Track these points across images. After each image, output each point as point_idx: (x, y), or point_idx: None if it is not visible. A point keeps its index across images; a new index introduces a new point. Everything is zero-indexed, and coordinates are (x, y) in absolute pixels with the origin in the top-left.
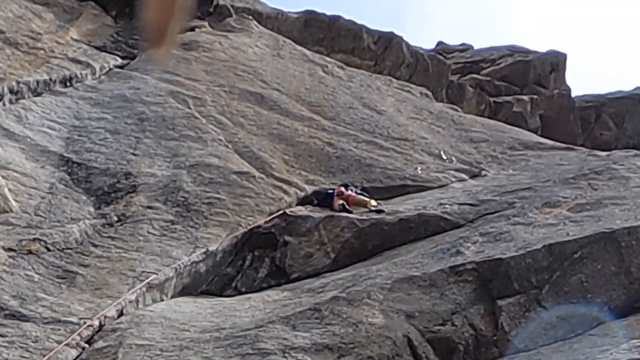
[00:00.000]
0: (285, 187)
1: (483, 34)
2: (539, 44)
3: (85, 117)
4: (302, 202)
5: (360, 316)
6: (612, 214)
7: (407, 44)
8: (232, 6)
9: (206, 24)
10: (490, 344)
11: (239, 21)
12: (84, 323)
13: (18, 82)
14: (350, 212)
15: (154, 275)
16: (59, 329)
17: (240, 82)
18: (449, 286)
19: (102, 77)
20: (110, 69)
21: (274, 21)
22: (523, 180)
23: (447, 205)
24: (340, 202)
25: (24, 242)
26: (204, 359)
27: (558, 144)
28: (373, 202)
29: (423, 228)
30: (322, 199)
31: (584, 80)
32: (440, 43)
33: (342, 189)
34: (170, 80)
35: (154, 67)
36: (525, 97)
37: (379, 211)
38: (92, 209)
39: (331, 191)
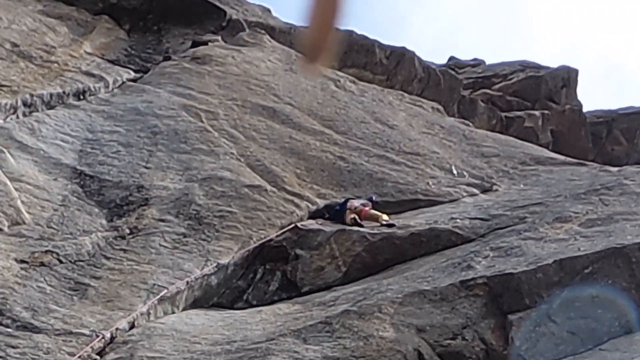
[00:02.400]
0: (296, 200)
1: (494, 49)
2: (552, 60)
3: (98, 130)
4: (313, 215)
5: (371, 330)
6: (623, 230)
7: (419, 58)
8: (245, 20)
9: (219, 38)
10: (500, 359)
11: (252, 35)
12: (96, 335)
13: (32, 95)
14: (362, 226)
15: (166, 290)
16: (70, 341)
17: (253, 96)
18: (459, 300)
19: (115, 90)
20: (123, 83)
21: (287, 36)
22: (534, 195)
23: (458, 220)
24: (352, 216)
25: (36, 254)
26: None
27: (569, 159)
28: (384, 217)
29: (434, 242)
30: (334, 212)
31: (596, 95)
32: (452, 58)
33: (355, 202)
34: (183, 94)
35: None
36: (537, 113)
37: (390, 225)
38: (104, 222)
39: (342, 203)
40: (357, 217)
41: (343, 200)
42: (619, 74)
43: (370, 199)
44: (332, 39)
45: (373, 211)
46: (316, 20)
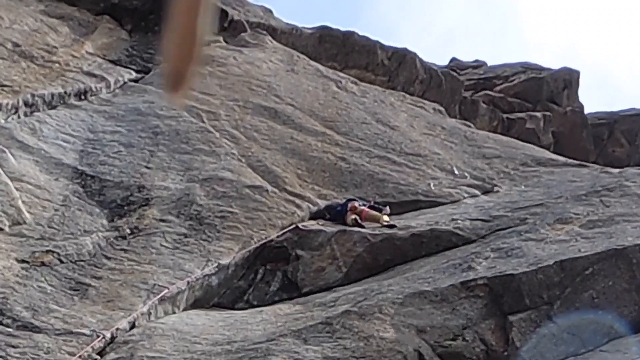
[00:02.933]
0: (297, 201)
1: (496, 50)
2: (553, 61)
3: (99, 130)
4: (314, 216)
5: (372, 330)
6: (623, 231)
7: (420, 60)
8: (247, 21)
9: (221, 38)
10: (501, 359)
11: (253, 36)
12: (96, 335)
13: (33, 95)
14: (363, 227)
15: (166, 290)
16: (70, 341)
17: (254, 97)
18: (460, 301)
19: (117, 90)
20: (124, 83)
21: (289, 36)
22: (535, 197)
23: (459, 221)
24: (353, 216)
25: (37, 254)
26: None
27: (570, 160)
28: (385, 217)
29: (435, 243)
30: (335, 213)
31: (597, 97)
32: (453, 59)
33: (356, 204)
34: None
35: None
36: (538, 114)
37: (391, 226)
38: (105, 222)
39: (343, 204)
40: (357, 217)
41: (344, 200)
42: (610, 83)
43: (373, 206)
44: (194, 67)
45: (374, 212)
46: (177, 48)
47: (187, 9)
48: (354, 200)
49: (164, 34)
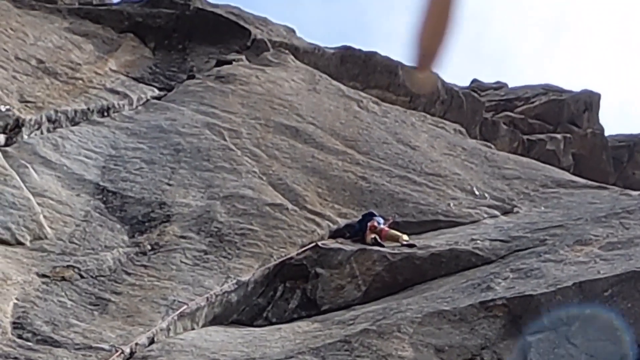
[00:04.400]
0: (318, 219)
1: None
2: (574, 83)
3: (121, 146)
4: (334, 235)
5: (390, 349)
6: None
7: (442, 80)
8: (270, 40)
9: (243, 57)
10: None
11: (276, 55)
12: (115, 350)
13: (56, 111)
14: (382, 246)
15: (185, 306)
16: (90, 356)
17: (276, 116)
18: (479, 321)
19: (139, 107)
20: (147, 100)
21: (311, 56)
22: (555, 218)
23: (478, 241)
24: (373, 235)
25: (57, 269)
26: None
27: (590, 182)
28: (405, 237)
29: (454, 263)
30: (354, 232)
31: (617, 119)
32: (474, 80)
33: (375, 222)
34: (207, 112)
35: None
36: (559, 136)
37: (411, 245)
38: (126, 238)
39: (361, 220)
40: (377, 237)
41: (363, 215)
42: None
43: (392, 225)
44: (444, 46)
45: (393, 231)
46: (428, 27)
47: None
48: (374, 215)
49: (419, 12)
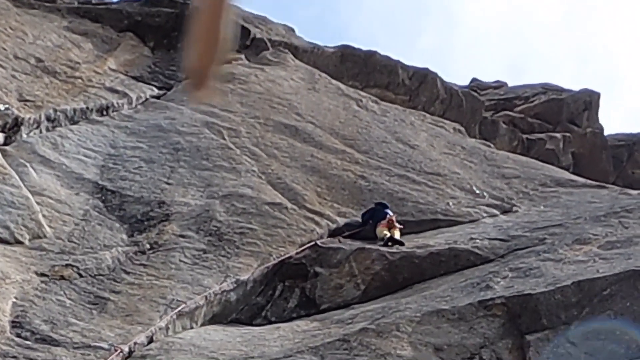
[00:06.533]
0: (317, 218)
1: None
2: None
3: (120, 145)
4: (333, 233)
5: (389, 348)
6: None
7: (441, 80)
8: (269, 39)
9: (243, 56)
10: None
11: (275, 54)
12: (114, 349)
13: (55, 110)
14: (402, 244)
15: (184, 305)
16: (89, 354)
17: (275, 115)
18: (477, 320)
19: (139, 106)
20: (146, 99)
21: (310, 55)
22: (554, 217)
23: (477, 240)
24: (386, 233)
25: (56, 268)
26: None
27: (589, 181)
28: (397, 233)
29: (453, 262)
30: (363, 221)
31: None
32: (474, 80)
33: (394, 218)
34: (206, 111)
35: (191, 101)
36: (558, 135)
37: (399, 243)
38: (125, 237)
39: (374, 210)
40: (389, 233)
41: (375, 203)
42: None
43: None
44: (216, 68)
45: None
46: (200, 44)
47: (211, 11)
48: (386, 207)
49: (190, 32)
